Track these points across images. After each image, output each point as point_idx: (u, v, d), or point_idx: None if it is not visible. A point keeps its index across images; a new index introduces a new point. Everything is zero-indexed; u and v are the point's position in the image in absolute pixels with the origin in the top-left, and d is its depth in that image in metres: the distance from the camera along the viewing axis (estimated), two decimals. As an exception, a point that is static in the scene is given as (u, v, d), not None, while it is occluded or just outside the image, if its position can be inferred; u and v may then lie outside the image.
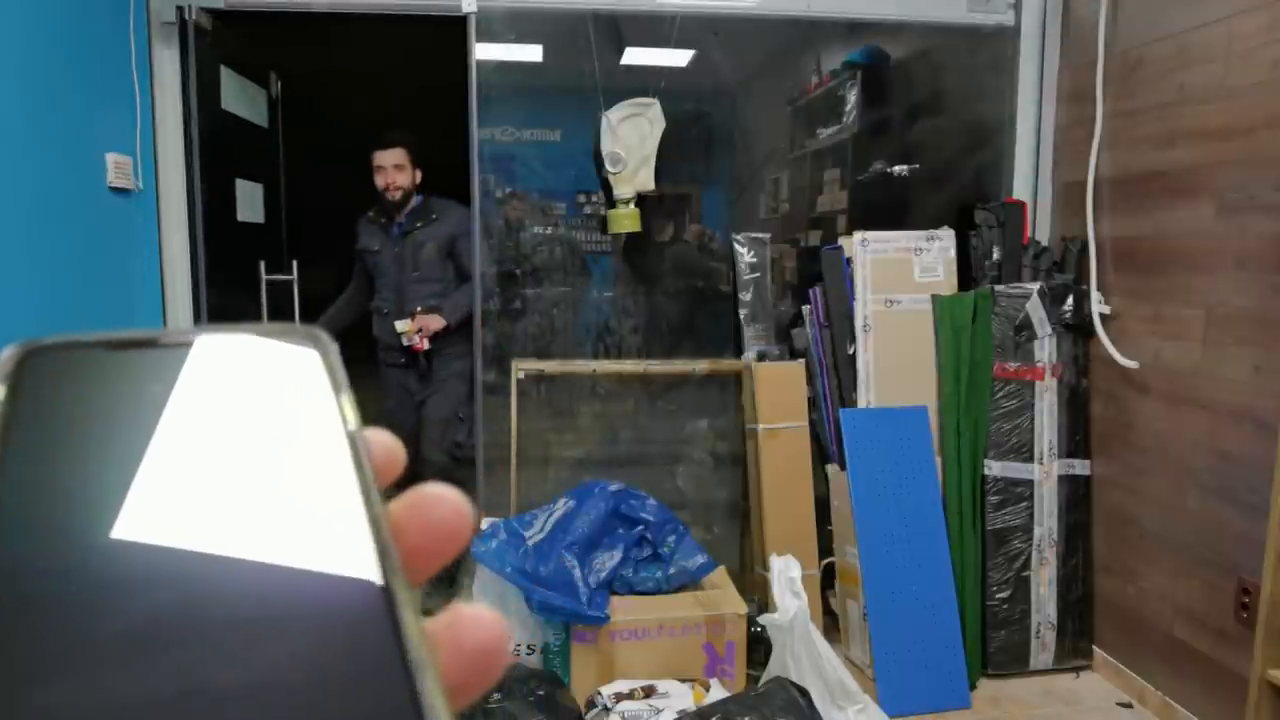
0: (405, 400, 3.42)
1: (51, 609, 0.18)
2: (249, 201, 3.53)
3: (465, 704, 0.20)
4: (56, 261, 2.49)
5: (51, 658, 0.17)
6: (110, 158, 2.74)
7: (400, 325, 3.24)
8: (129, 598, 0.18)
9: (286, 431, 0.21)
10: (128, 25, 2.82)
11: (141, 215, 2.94)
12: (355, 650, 0.18)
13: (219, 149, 3.18)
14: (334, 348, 0.23)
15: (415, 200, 3.33)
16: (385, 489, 0.21)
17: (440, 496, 0.22)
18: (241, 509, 0.19)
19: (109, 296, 2.76)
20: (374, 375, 3.47)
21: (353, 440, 0.21)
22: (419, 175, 3.32)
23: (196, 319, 3.03)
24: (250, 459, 0.20)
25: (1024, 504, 2.92)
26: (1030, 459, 2.93)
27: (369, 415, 0.21)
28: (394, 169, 3.25)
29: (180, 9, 2.91)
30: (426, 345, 3.24)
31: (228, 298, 3.20)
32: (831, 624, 3.01)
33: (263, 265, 3.45)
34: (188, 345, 0.22)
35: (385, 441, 0.23)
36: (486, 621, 0.21)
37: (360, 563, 0.19)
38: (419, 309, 3.28)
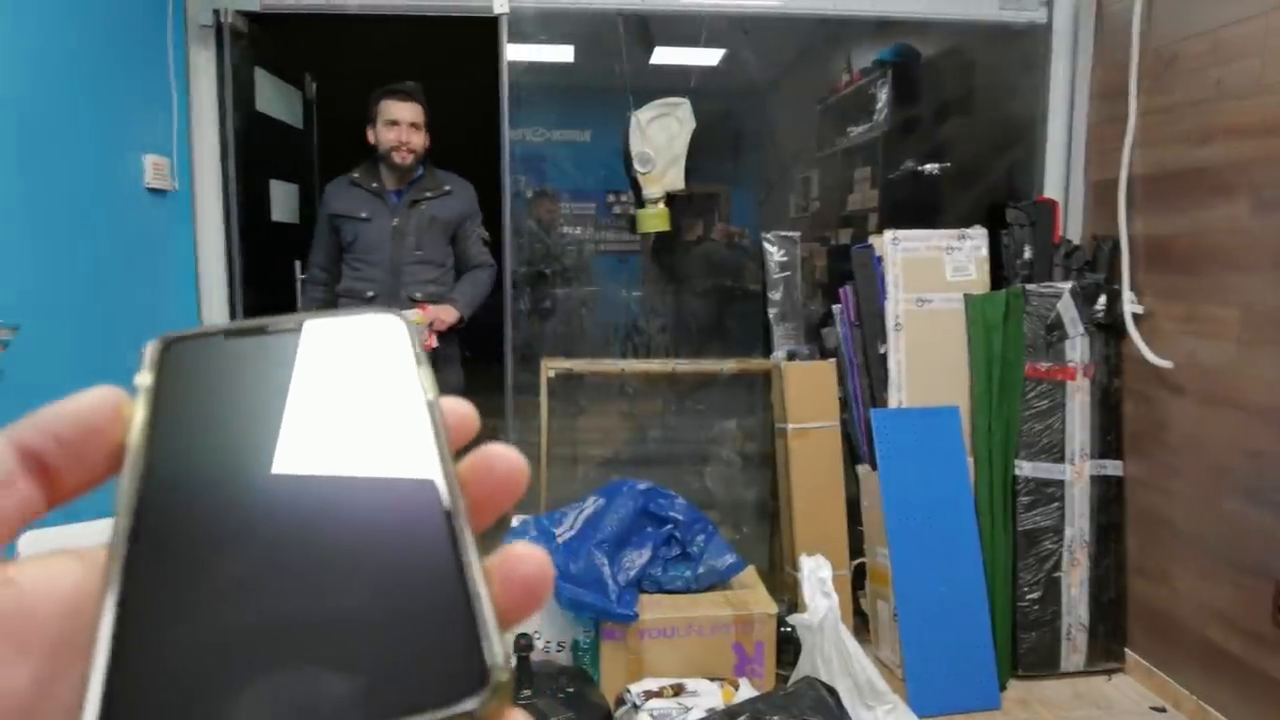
0: None
1: (198, 541, 0.22)
2: (284, 202, 3.57)
3: (513, 625, 0.23)
4: (95, 260, 2.53)
5: (201, 587, 0.21)
6: (148, 159, 2.79)
7: (408, 316, 2.84)
8: (259, 530, 0.22)
9: (378, 400, 0.25)
10: (165, 29, 2.87)
11: (178, 215, 2.98)
12: (429, 580, 0.21)
13: (254, 150, 3.21)
14: (415, 329, 0.27)
15: (419, 169, 2.87)
16: (459, 449, 0.25)
17: (500, 455, 0.25)
18: (341, 464, 0.24)
19: (145, 295, 2.80)
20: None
21: (430, 407, 0.25)
22: (428, 141, 2.86)
23: (232, 318, 3.07)
24: (348, 423, 0.24)
25: (1055, 504, 2.90)
26: (1061, 459, 2.91)
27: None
28: (410, 127, 2.77)
29: (216, 12, 2.95)
30: (434, 343, 2.78)
31: (263, 297, 3.24)
32: (861, 624, 3.00)
33: (298, 265, 3.49)
34: (295, 330, 0.27)
35: (460, 409, 0.26)
36: (533, 558, 0.24)
37: (433, 512, 0.22)
38: (420, 297, 2.80)
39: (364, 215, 2.81)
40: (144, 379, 0.25)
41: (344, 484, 0.23)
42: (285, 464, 0.23)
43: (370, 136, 2.83)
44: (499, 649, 0.20)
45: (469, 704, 0.19)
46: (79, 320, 2.41)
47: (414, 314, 2.75)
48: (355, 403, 0.25)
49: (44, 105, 2.30)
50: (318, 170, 3.90)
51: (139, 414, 0.24)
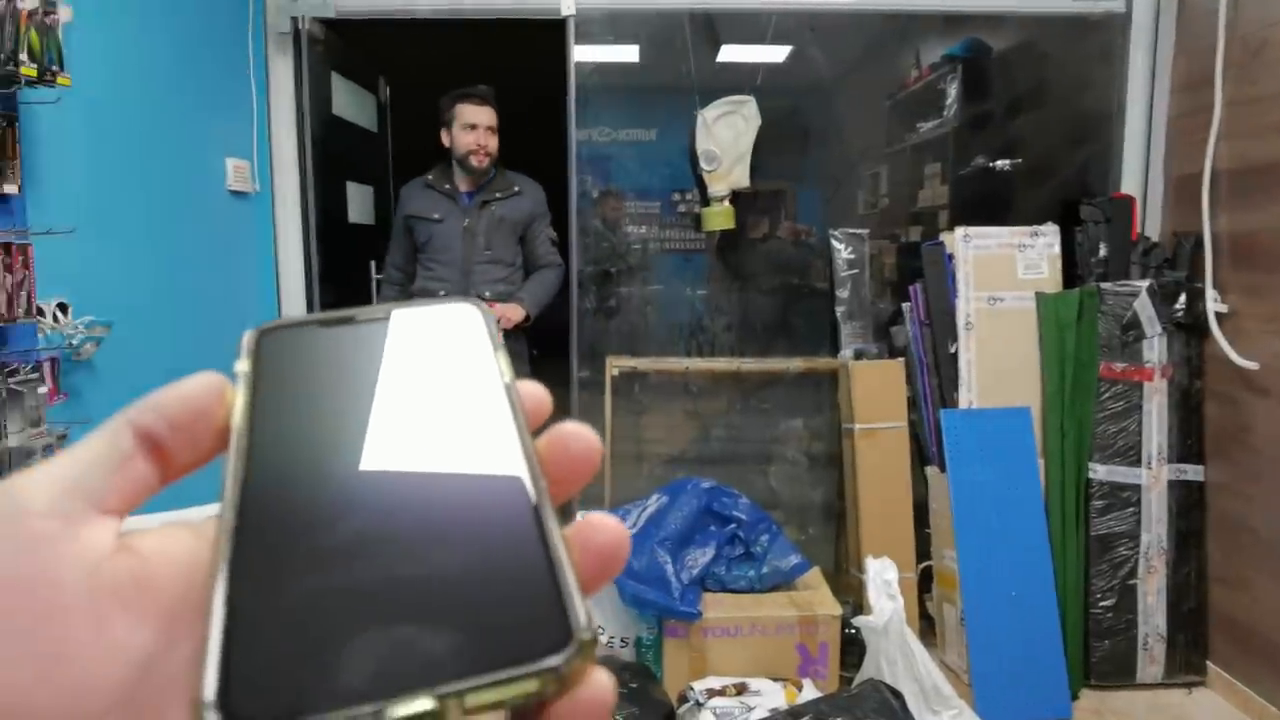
0: None
1: (301, 512, 0.23)
2: (360, 203, 3.66)
3: (594, 591, 0.24)
4: (181, 260, 2.64)
5: (304, 555, 0.22)
6: (230, 162, 2.89)
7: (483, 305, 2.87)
8: (355, 502, 0.24)
9: (460, 383, 0.27)
10: (246, 36, 2.97)
11: (258, 216, 3.09)
12: (515, 548, 0.22)
13: (331, 153, 3.30)
14: (491, 316, 0.29)
15: (491, 171, 2.91)
16: (536, 428, 0.26)
17: (575, 433, 0.26)
18: (428, 443, 0.25)
19: (228, 294, 2.91)
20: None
21: (508, 389, 0.26)
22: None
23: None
24: (433, 405, 0.26)
25: (1130, 509, 2.82)
26: (1137, 462, 2.82)
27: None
28: (487, 131, 2.84)
29: (294, 19, 3.04)
30: (502, 341, 2.88)
31: (341, 297, 3.33)
32: (928, 628, 2.96)
33: (373, 265, 3.58)
34: (381, 319, 0.28)
35: (535, 392, 0.28)
36: (610, 527, 0.25)
37: (517, 485, 0.24)
38: (489, 295, 2.85)
39: (437, 216, 2.88)
40: (242, 366, 0.27)
41: (432, 461, 0.25)
42: (376, 442, 0.25)
43: (445, 139, 2.88)
44: (582, 611, 0.21)
45: (554, 660, 0.20)
46: (166, 318, 2.52)
47: None
48: (439, 386, 0.27)
49: (135, 112, 2.41)
50: (391, 172, 4.00)
51: (239, 398, 0.26)
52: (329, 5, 3.03)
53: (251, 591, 0.21)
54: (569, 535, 0.24)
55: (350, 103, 3.55)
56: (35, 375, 1.97)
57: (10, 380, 1.91)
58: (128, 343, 2.28)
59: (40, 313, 2.01)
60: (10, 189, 1.91)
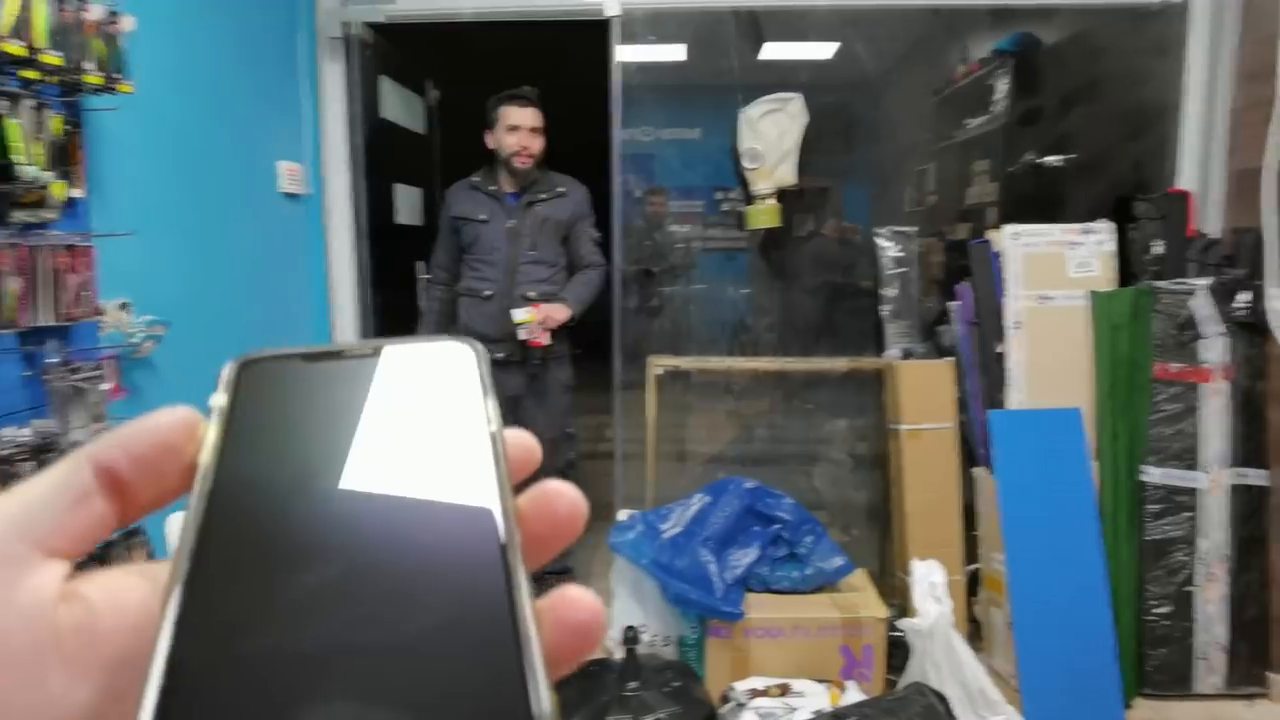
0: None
1: (257, 564, 0.22)
2: (407, 205, 3.72)
3: (564, 672, 0.22)
4: (236, 261, 2.71)
5: (254, 614, 0.21)
6: (282, 165, 2.96)
7: (520, 314, 2.78)
8: (315, 557, 0.22)
9: (441, 430, 0.25)
10: (298, 42, 3.04)
11: (309, 218, 3.15)
12: (479, 619, 0.21)
13: (379, 155, 3.36)
14: (485, 358, 0.27)
15: (535, 172, 2.95)
16: (519, 482, 0.25)
17: (560, 493, 0.25)
18: (402, 494, 0.23)
19: (281, 294, 2.98)
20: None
21: (493, 439, 0.25)
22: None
23: (361, 317, 3.23)
24: (412, 453, 0.24)
25: (1187, 514, 2.74)
26: (1194, 466, 2.74)
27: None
28: (531, 132, 2.87)
29: (344, 25, 3.11)
30: (547, 340, 2.84)
31: (389, 297, 3.39)
32: (975, 632, 2.91)
33: (420, 266, 3.63)
34: (368, 355, 0.27)
35: (523, 441, 0.26)
36: (586, 604, 0.23)
37: (488, 547, 0.22)
38: (534, 295, 2.87)
39: (482, 217, 2.91)
40: (219, 399, 0.25)
41: (403, 515, 0.23)
42: (347, 491, 0.23)
43: (490, 141, 2.93)
44: (546, 696, 0.19)
45: None
46: (221, 316, 2.59)
47: (527, 312, 2.81)
48: (420, 432, 0.25)
49: (192, 118, 2.48)
50: (440, 173, 4.05)
51: (211, 434, 0.24)
52: (378, 10, 3.09)
53: (195, 651, 0.20)
54: (542, 608, 0.22)
55: (399, 106, 3.61)
56: (98, 372, 2.04)
57: (74, 377, 1.98)
58: (185, 341, 2.34)
59: (102, 312, 2.08)
60: (75, 193, 1.98)
